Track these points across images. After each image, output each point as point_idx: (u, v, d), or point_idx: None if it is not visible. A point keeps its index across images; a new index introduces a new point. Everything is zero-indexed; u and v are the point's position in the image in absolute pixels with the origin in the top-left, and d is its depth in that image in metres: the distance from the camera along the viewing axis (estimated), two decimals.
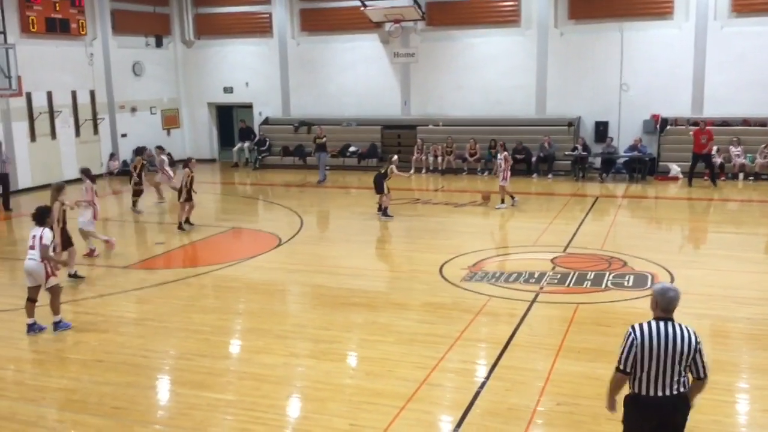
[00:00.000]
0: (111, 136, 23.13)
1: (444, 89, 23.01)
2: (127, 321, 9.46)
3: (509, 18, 22.10)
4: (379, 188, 15.51)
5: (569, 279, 10.58)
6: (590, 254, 11.99)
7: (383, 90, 23.64)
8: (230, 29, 25.11)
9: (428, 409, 6.72)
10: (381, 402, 6.78)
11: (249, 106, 25.50)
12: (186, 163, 15.13)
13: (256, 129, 24.87)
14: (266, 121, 25.00)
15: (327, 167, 21.42)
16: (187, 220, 14.73)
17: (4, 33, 16.70)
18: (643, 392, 4.62)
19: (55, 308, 8.91)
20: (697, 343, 4.60)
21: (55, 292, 8.86)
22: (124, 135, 23.50)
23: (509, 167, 16.57)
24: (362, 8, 22.10)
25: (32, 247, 8.72)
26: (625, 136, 20.93)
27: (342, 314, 9.44)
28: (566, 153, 20.76)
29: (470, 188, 19.58)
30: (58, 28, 20.56)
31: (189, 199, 14.54)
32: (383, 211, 15.47)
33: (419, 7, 21.89)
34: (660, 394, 4.60)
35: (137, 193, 16.87)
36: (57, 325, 8.90)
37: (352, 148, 23.57)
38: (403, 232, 14.71)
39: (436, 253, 12.31)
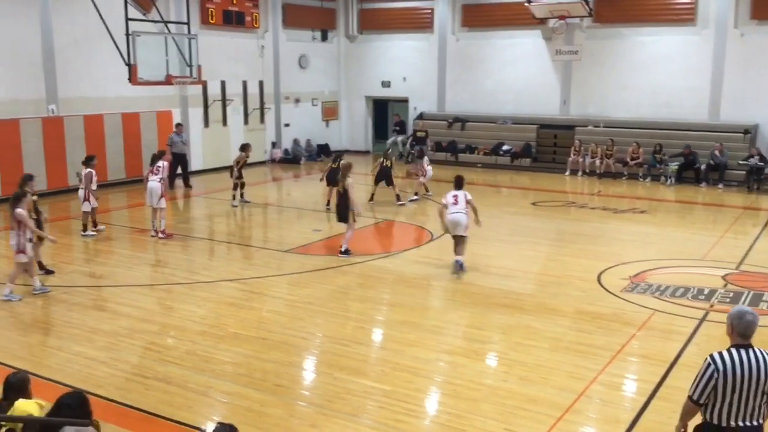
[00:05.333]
0: (275, 125, 24.30)
1: (607, 89, 22.11)
2: (287, 302, 9.89)
3: (684, 16, 20.80)
4: (389, 181, 16.31)
5: (743, 299, 9.79)
6: (767, 274, 11.05)
7: (542, 88, 23.10)
8: (392, 24, 25.53)
9: (587, 423, 6.48)
10: (536, 409, 6.62)
11: (405, 101, 25.83)
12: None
13: (410, 124, 25.14)
14: (420, 116, 25.21)
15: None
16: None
17: (188, 24, 17.94)
18: (723, 423, 4.29)
19: None
20: None
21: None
22: (287, 125, 24.61)
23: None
24: (526, 4, 21.66)
25: None
26: None
27: (495, 315, 9.32)
28: (740, 162, 19.26)
29: (630, 194, 18.69)
30: (234, 20, 21.85)
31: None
32: (397, 197, 16.46)
33: (587, 3, 21.13)
34: (741, 424, 4.29)
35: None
36: None
37: (505, 147, 23.24)
38: (556, 234, 14.31)
39: (593, 260, 11.87)
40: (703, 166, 19.71)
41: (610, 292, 10.18)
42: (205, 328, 8.79)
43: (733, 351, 4.31)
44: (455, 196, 11.05)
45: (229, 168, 17.00)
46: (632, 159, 20.67)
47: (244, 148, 16.60)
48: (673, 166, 19.94)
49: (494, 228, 14.41)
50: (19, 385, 4.69)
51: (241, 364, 7.68)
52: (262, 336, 8.46)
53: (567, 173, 21.52)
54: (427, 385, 7.33)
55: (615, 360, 7.78)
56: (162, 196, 13.23)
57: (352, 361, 7.76)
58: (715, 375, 4.26)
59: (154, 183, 13.23)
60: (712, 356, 4.33)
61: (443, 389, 7.24)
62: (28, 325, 8.80)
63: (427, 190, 18.09)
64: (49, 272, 10.92)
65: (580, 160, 21.35)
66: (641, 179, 20.47)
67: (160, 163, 13.45)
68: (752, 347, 4.33)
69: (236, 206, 16.39)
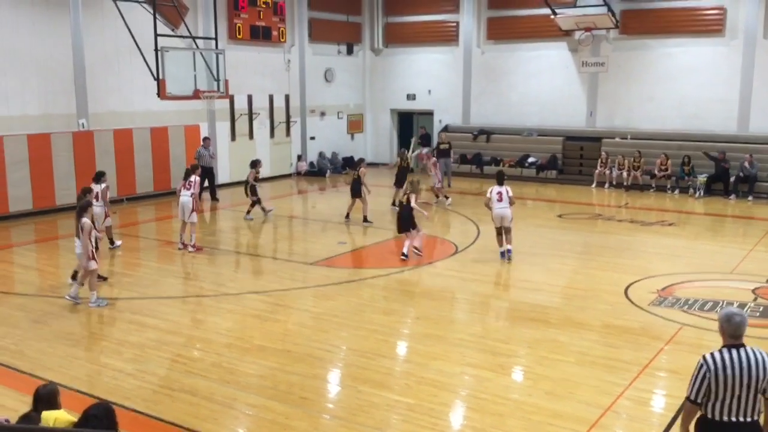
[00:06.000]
0: (301, 138, 24.48)
1: (634, 100, 21.95)
2: (312, 315, 9.92)
3: (712, 27, 20.60)
4: (355, 193, 15.75)
5: None
6: None
7: (568, 100, 23.00)
8: (417, 37, 25.63)
9: None
10: (562, 424, 6.56)
11: (430, 113, 25.88)
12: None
13: (434, 136, 25.14)
14: (445, 129, 25.15)
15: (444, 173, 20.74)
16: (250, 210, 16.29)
17: (216, 39, 18.19)
18: (717, 417, 4.51)
19: None
20: None
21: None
22: (312, 138, 24.78)
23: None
24: (552, 16, 21.62)
25: None
26: None
27: (520, 328, 9.26)
28: None
29: (658, 206, 18.48)
30: (261, 35, 22.10)
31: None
32: (364, 218, 15.73)
33: (613, 14, 21.03)
34: (734, 420, 4.50)
35: (255, 204, 16.40)
36: None
37: (531, 159, 23.15)
38: (582, 248, 14.19)
39: (621, 273, 11.75)
40: (732, 178, 19.43)
41: (637, 305, 10.06)
42: (231, 340, 8.85)
43: (725, 351, 4.51)
44: (499, 193, 12.39)
45: (244, 184, 16.77)
46: (660, 171, 20.45)
47: (255, 164, 16.46)
48: (702, 178, 19.69)
49: (520, 241, 14.32)
50: (48, 396, 4.77)
51: (266, 376, 7.72)
52: (287, 348, 8.50)
53: (593, 185, 21.36)
54: (452, 398, 7.30)
55: (643, 375, 7.68)
56: (193, 211, 13.37)
57: (376, 374, 7.76)
58: (708, 374, 4.46)
59: (186, 197, 13.34)
60: (704, 356, 4.54)
61: (468, 403, 7.20)
62: (57, 337, 8.93)
63: (437, 197, 18.05)
64: (102, 278, 11.14)
65: (607, 172, 21.17)
66: (669, 191, 20.24)
67: (192, 178, 13.53)
68: (744, 346, 4.52)
69: (251, 219, 16.36)
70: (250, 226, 16.16)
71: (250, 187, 16.31)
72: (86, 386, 7.39)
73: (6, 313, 9.87)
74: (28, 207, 16.69)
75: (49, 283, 11.60)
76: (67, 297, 10.23)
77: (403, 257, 12.68)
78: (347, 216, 16.03)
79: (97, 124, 18.06)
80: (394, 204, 17.35)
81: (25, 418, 4.65)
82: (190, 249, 13.31)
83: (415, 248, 12.99)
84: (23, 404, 4.94)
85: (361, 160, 16.91)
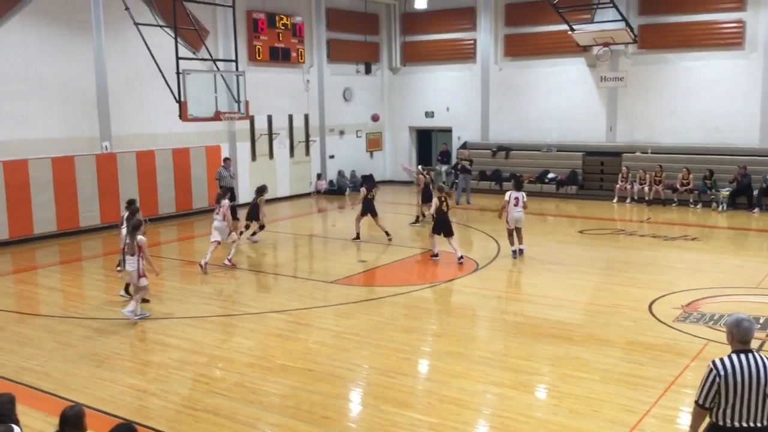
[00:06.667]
0: (320, 157, 24.62)
1: (654, 115, 21.83)
2: (333, 333, 9.92)
3: (731, 41, 20.49)
4: (372, 212, 15.91)
5: None
6: None
7: (587, 115, 22.94)
8: (435, 56, 25.76)
9: None
10: None
11: (448, 131, 25.92)
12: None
13: (453, 153, 25.18)
14: (464, 146, 25.22)
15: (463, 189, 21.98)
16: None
17: (236, 61, 18.42)
18: (728, 424, 4.51)
19: None
20: None
21: None
22: (331, 156, 24.92)
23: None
24: (570, 32, 21.63)
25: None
26: None
27: (542, 345, 9.19)
28: None
29: (680, 221, 18.29)
30: (280, 56, 22.34)
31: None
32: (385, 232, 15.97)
33: (631, 29, 20.99)
34: (745, 425, 4.50)
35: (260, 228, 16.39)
36: None
37: (550, 175, 23.08)
38: (605, 263, 14.07)
39: (644, 289, 11.63)
40: (755, 191, 19.20)
41: (662, 321, 9.94)
42: (253, 359, 8.88)
43: (734, 356, 4.54)
44: (516, 198, 13.82)
45: (249, 208, 16.46)
46: (682, 185, 20.27)
47: (261, 191, 16.13)
48: (725, 191, 19.49)
49: (541, 256, 14.30)
50: (75, 418, 4.82)
51: (288, 395, 7.72)
52: (308, 367, 8.50)
53: (615, 200, 21.22)
54: (475, 417, 7.25)
55: (668, 392, 7.57)
56: (231, 231, 13.97)
57: (398, 393, 7.73)
58: (717, 379, 4.48)
59: (218, 222, 13.73)
60: (713, 361, 4.56)
61: (492, 422, 7.14)
62: (82, 357, 9.02)
63: (424, 216, 17.70)
64: (145, 300, 11.25)
65: (628, 186, 21.03)
66: (692, 206, 20.04)
67: (222, 202, 13.87)
68: (752, 352, 4.56)
69: (256, 241, 16.25)
70: (275, 244, 16.26)
71: (253, 208, 16.11)
72: (110, 407, 7.44)
73: (31, 335, 9.99)
74: (52, 229, 16.92)
75: (73, 304, 11.73)
76: (124, 312, 10.46)
77: (460, 260, 13.68)
78: (357, 236, 16.01)
79: (120, 147, 18.32)
80: (417, 221, 17.67)
81: None
82: (227, 262, 13.74)
83: (435, 255, 14.07)
84: (49, 425, 4.99)
85: (373, 184, 16.85)
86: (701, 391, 4.57)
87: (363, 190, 16.18)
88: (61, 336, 9.87)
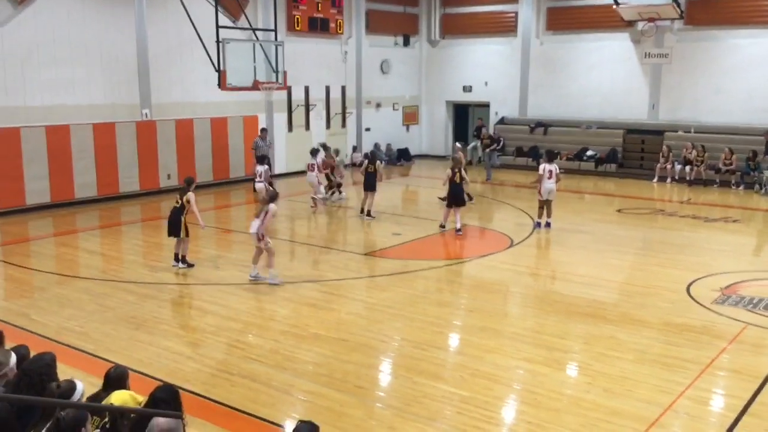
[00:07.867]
0: (356, 130, 24.58)
1: (699, 93, 21.29)
2: (366, 305, 9.98)
3: None
4: (371, 187, 15.69)
5: None
6: None
7: (629, 92, 22.47)
8: (475, 29, 25.40)
9: None
10: (620, 422, 6.44)
11: (486, 105, 25.64)
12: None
13: (490, 129, 24.88)
14: (502, 121, 24.96)
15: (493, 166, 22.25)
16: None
17: (275, 31, 18.39)
18: None
19: None
20: None
21: None
22: (367, 129, 24.86)
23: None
24: (614, 6, 21.12)
25: None
26: None
27: (577, 324, 9.12)
28: None
29: (722, 202, 17.90)
30: (318, 27, 22.24)
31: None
32: (367, 212, 15.69)
33: (678, 4, 20.42)
34: None
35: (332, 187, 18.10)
36: None
37: (589, 152, 22.72)
38: (643, 243, 13.87)
39: (682, 270, 11.45)
40: None
41: (699, 303, 9.79)
42: (287, 327, 8.99)
43: None
44: (550, 171, 14.19)
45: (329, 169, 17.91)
46: (725, 165, 19.81)
47: (337, 152, 18.45)
48: None
49: (576, 235, 14.15)
50: (118, 378, 4.94)
51: (321, 364, 7.81)
52: (342, 337, 8.58)
53: (655, 180, 20.84)
54: (507, 392, 7.26)
55: (704, 374, 7.48)
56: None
57: (430, 365, 7.76)
58: None
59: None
60: None
61: (523, 398, 7.13)
62: (120, 319, 9.22)
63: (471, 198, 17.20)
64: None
65: (669, 166, 20.62)
66: (734, 187, 19.59)
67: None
68: None
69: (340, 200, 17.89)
70: (309, 215, 16.37)
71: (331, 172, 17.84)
72: (148, 368, 7.61)
73: (71, 296, 10.23)
74: (92, 194, 17.24)
75: (112, 267, 11.97)
76: (269, 281, 10.75)
77: (458, 232, 13.96)
78: (362, 210, 15.85)
79: (159, 114, 18.51)
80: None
81: (94, 398, 4.81)
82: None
83: (443, 225, 14.46)
84: (89, 384, 5.10)
85: (374, 153, 17.48)
86: None
87: (365, 162, 16.11)
88: (101, 298, 10.10)
